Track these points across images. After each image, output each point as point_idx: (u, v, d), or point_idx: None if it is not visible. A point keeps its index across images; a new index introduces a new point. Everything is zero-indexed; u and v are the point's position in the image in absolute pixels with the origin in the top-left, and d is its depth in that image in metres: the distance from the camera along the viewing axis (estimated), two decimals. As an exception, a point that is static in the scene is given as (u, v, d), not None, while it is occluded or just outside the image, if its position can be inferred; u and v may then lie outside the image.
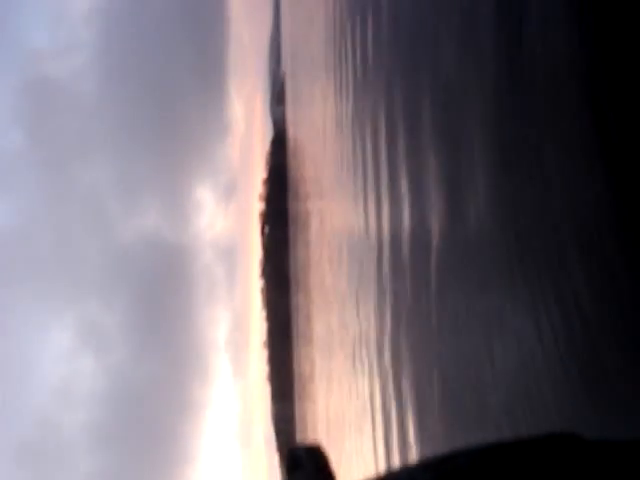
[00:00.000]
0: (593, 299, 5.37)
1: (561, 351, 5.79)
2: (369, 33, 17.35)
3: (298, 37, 50.97)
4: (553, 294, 5.98)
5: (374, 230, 16.36)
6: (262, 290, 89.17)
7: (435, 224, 10.42)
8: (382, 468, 14.10)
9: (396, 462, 13.19)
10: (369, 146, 17.18)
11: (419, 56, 11.95)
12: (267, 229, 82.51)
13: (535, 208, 6.59)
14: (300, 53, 48.67)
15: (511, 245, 7.07)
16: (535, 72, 6.59)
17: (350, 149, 21.00)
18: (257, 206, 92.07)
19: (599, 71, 5.41)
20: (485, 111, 7.99)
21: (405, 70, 13.23)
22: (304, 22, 43.48)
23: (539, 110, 6.51)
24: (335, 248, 26.58)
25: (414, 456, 11.70)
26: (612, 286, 5.11)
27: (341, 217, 24.59)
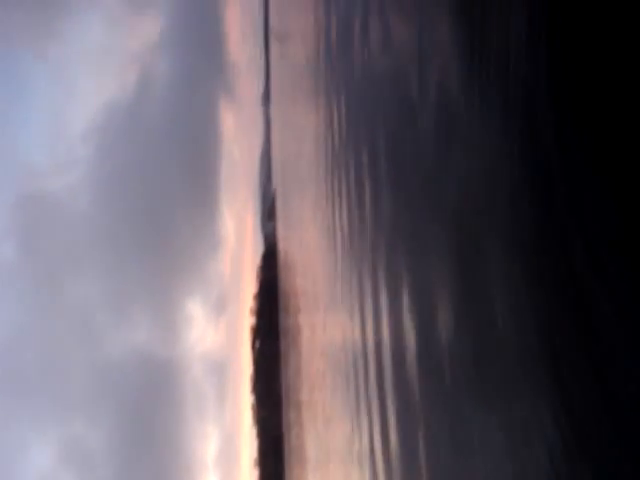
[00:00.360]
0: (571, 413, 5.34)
1: (542, 465, 5.72)
2: (359, 148, 17.71)
3: (288, 154, 52.05)
4: (533, 409, 5.94)
5: (365, 344, 16.22)
6: (253, 406, 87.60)
7: (430, 339, 10.38)
8: None
9: None
10: (358, 259, 17.26)
11: (403, 170, 12.18)
12: (258, 343, 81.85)
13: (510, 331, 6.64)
14: (290, 169, 49.58)
15: (498, 359, 7.05)
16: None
17: (340, 263, 21.07)
18: (248, 320, 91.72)
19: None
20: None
21: (393, 186, 13.44)
22: (294, 140, 44.51)
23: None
24: (327, 362, 26.27)
25: None
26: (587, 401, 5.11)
27: (332, 331, 24.43)
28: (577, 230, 5.58)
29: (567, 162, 5.86)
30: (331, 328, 24.80)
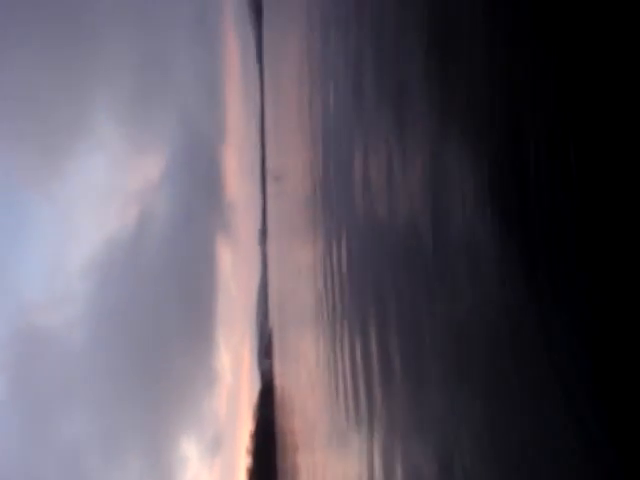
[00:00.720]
0: None
1: None
2: (361, 285, 17.75)
3: (285, 290, 52.20)
4: None
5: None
6: None
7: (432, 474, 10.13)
8: None
9: None
10: (356, 395, 16.99)
11: (408, 308, 12.18)
12: (255, 485, 79.27)
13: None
14: (287, 306, 49.58)
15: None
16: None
17: (340, 402, 20.74)
18: (244, 461, 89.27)
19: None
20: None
21: (398, 324, 13.37)
22: (291, 276, 44.75)
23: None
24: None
25: None
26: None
27: (332, 473, 23.75)
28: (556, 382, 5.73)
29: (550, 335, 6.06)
30: (331, 469, 24.13)
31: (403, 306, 12.47)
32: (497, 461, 7.43)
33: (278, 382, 62.46)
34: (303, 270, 34.50)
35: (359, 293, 17.57)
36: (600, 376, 5.33)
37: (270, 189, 79.42)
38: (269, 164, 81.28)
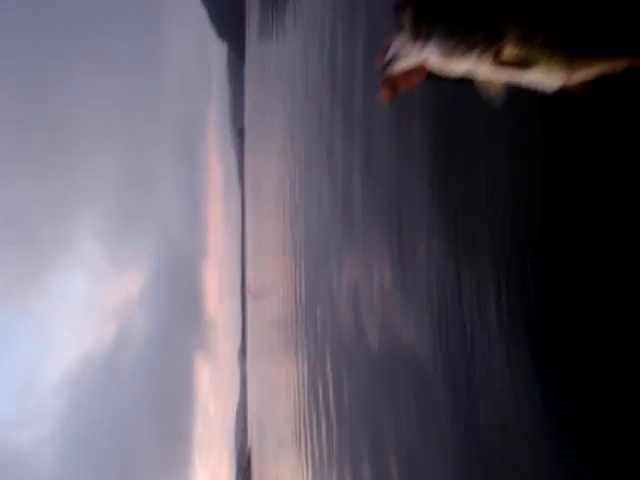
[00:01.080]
0: None
1: None
2: (342, 414, 17.43)
3: (264, 410, 51.32)
4: None
5: None
6: None
7: None
8: None
9: None
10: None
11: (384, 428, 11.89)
12: None
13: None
14: (266, 426, 48.62)
15: None
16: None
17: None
18: None
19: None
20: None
21: (376, 438, 13.06)
22: (270, 396, 44.08)
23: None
24: None
25: None
26: None
27: None
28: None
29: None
30: None
31: (395, 430, 12.14)
32: None
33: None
34: (283, 390, 33.89)
35: (341, 417, 17.17)
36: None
37: (250, 307, 79.16)
38: (249, 282, 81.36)
